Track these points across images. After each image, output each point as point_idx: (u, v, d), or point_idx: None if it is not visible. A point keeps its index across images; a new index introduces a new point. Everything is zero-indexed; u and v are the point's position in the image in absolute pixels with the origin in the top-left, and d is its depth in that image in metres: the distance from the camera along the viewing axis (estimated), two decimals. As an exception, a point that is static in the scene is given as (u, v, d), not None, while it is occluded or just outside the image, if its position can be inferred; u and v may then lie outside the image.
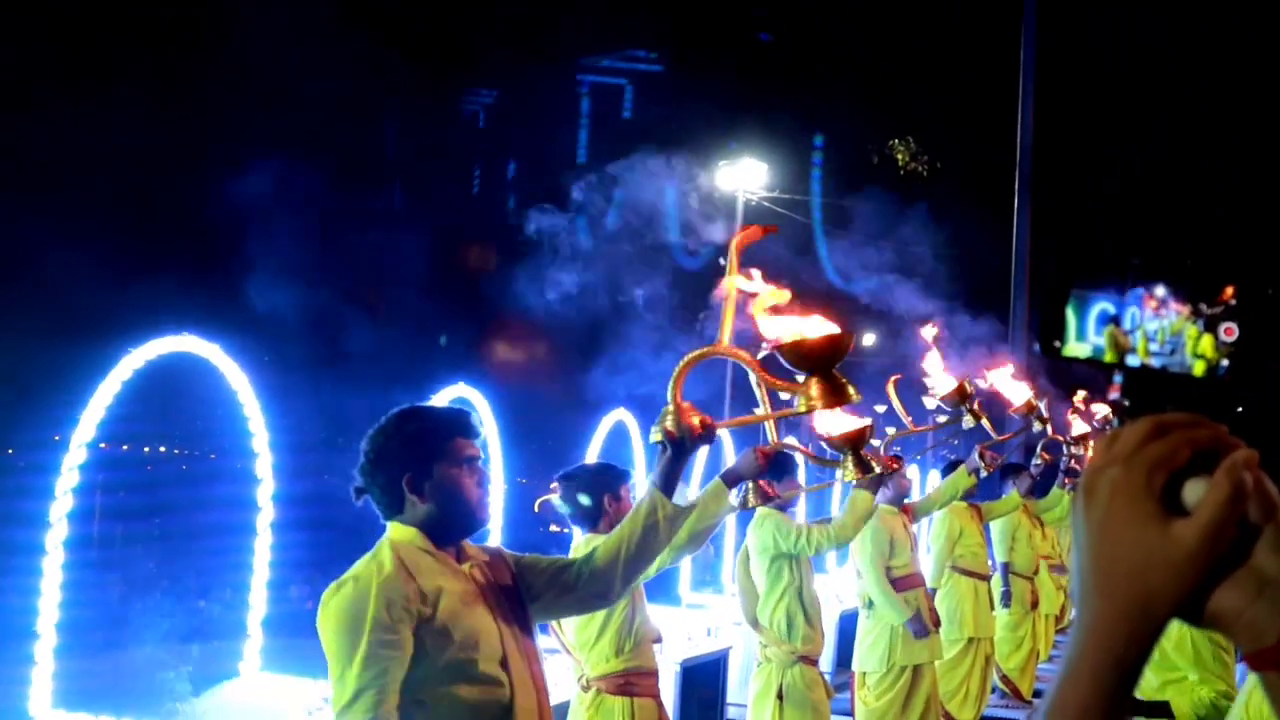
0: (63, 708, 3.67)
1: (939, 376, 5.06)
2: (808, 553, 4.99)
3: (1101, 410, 8.40)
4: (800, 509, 7.79)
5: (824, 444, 3.56)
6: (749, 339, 2.65)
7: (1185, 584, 0.68)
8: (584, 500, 3.78)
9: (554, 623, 3.86)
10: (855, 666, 6.04)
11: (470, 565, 2.43)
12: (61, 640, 3.62)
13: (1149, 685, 3.99)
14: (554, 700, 2.55)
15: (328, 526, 7.14)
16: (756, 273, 2.63)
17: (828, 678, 5.46)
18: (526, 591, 2.53)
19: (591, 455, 6.39)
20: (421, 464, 2.38)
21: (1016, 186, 14.31)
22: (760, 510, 4.96)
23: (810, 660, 5.13)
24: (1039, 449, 7.41)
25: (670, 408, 2.50)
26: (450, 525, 2.42)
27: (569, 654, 3.95)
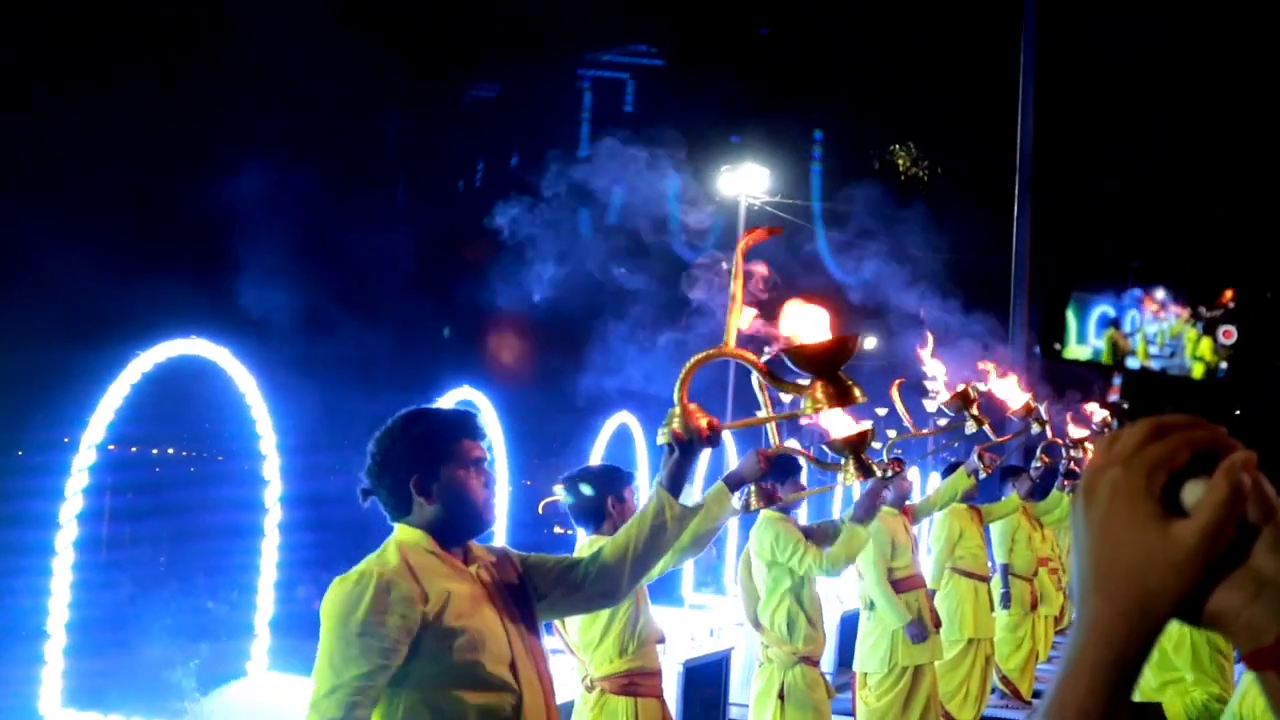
0: (73, 707, 3.70)
1: (941, 380, 5.08)
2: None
3: (1101, 413, 8.41)
4: (803, 512, 7.81)
5: (825, 447, 3.57)
6: (754, 341, 2.66)
7: (1184, 584, 0.68)
8: (588, 502, 3.80)
9: (558, 623, 3.87)
10: (856, 667, 6.06)
11: (477, 566, 2.44)
12: (71, 640, 3.64)
13: (1148, 685, 4.00)
14: (558, 700, 2.56)
15: (334, 528, 7.16)
16: (762, 269, 2.65)
17: (829, 678, 5.47)
18: (533, 591, 2.54)
19: (595, 457, 6.41)
20: (428, 466, 2.39)
21: (1017, 189, 14.30)
22: (763, 514, 4.98)
23: (811, 661, 5.14)
24: (1038, 451, 7.41)
25: (677, 409, 2.52)
26: (457, 526, 2.42)
27: (573, 654, 3.96)
